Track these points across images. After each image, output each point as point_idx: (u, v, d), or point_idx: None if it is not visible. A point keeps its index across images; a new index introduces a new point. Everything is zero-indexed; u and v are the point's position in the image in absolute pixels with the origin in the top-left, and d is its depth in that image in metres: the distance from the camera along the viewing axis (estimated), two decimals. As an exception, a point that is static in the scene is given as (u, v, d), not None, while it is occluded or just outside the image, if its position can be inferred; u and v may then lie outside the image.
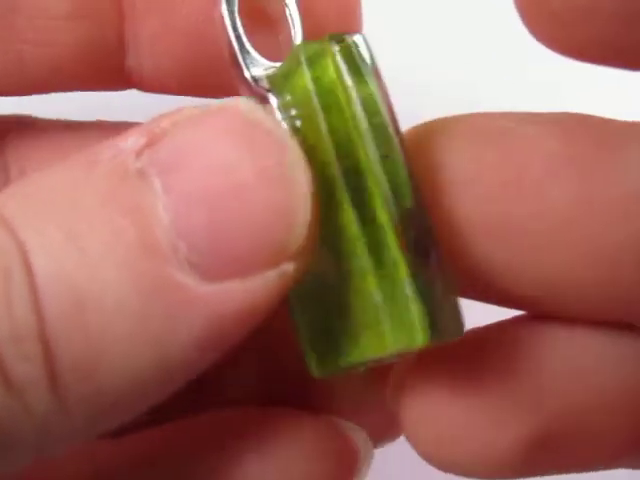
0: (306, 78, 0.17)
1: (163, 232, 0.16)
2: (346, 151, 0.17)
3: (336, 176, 0.17)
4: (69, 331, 0.15)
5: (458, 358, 0.18)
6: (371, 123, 0.17)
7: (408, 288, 0.17)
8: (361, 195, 0.17)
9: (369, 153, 0.17)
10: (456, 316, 0.18)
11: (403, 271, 0.17)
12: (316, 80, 0.17)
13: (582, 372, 0.18)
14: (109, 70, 0.22)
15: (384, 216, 0.17)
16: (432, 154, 0.18)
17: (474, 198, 0.17)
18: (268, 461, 0.19)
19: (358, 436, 0.20)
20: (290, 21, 0.20)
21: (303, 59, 0.17)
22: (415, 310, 0.17)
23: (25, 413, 0.15)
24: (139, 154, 0.16)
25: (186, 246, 0.16)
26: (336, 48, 0.17)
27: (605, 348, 0.18)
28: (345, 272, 0.18)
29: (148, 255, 0.15)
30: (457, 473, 0.18)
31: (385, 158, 0.17)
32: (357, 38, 0.18)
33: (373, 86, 0.18)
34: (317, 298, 0.18)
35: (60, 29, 0.21)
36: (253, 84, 0.19)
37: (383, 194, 0.17)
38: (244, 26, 0.19)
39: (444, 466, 0.18)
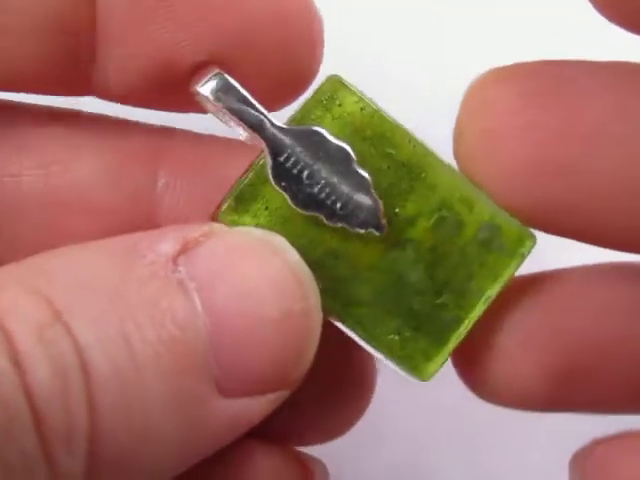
0: None
1: (203, 351, 0.18)
2: None
3: None
4: (115, 428, 0.17)
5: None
6: None
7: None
8: None
9: None
10: None
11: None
12: None
13: (605, 320, 0.21)
14: (75, 78, 0.22)
15: None
16: (496, 100, 0.20)
17: (534, 141, 0.20)
18: None
19: (315, 464, 0.23)
20: None
21: None
22: None
23: None
24: (175, 261, 0.18)
25: (216, 366, 0.18)
26: None
27: (629, 300, 0.21)
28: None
29: (187, 371, 0.18)
30: (496, 402, 0.22)
31: None
32: None
33: None
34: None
35: (33, 38, 0.21)
36: None
37: None
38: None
39: (485, 394, 0.22)
